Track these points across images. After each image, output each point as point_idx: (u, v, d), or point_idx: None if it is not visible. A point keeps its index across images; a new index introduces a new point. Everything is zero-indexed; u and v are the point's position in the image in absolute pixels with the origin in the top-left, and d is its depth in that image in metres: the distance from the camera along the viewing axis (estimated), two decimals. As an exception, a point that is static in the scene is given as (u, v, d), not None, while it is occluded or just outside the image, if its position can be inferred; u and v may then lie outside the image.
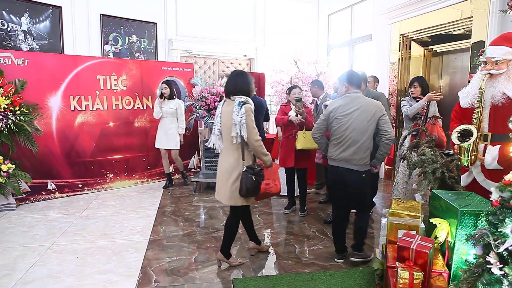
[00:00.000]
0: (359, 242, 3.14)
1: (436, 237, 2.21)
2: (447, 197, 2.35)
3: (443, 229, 2.16)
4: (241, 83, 2.92)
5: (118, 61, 5.83)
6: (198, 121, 6.44)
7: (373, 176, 3.61)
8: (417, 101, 4.28)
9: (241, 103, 2.81)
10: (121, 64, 5.77)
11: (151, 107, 6.00)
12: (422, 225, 2.45)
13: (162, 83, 5.52)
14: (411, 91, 4.27)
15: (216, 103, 5.95)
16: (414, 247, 1.96)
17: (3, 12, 5.23)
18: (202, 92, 5.96)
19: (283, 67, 6.65)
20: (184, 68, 6.50)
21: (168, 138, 5.46)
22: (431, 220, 2.29)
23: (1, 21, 5.23)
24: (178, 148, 5.55)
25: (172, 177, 6.17)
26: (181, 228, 4.02)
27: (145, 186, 5.80)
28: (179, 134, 5.50)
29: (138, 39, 6.70)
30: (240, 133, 2.81)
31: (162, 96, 5.39)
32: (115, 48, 6.48)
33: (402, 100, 4.41)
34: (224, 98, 3.06)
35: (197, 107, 6.01)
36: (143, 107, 5.93)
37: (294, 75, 6.48)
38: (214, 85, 6.08)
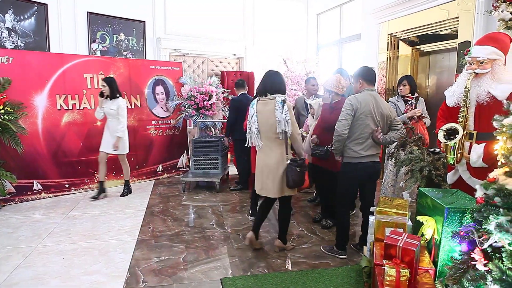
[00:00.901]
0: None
1: (422, 235, 2.23)
2: (433, 194, 2.37)
3: (429, 226, 2.18)
4: (277, 83, 3.17)
5: (106, 60, 5.76)
6: (187, 120, 6.40)
7: None
8: (405, 100, 4.33)
9: (283, 101, 3.06)
10: (108, 62, 5.71)
11: (139, 106, 5.94)
12: (409, 223, 2.47)
13: (102, 80, 5.01)
14: (400, 89, 4.34)
15: (205, 102, 5.93)
16: (401, 245, 1.97)
17: (-14, 9, 5.13)
18: (191, 91, 5.93)
19: (273, 66, 6.64)
20: (172, 67, 6.45)
21: (121, 142, 5.01)
22: (418, 217, 2.31)
23: (-16, 18, 5.13)
24: (124, 152, 5.12)
25: (160, 177, 6.15)
26: (169, 228, 3.99)
27: (134, 186, 5.73)
28: (116, 137, 4.93)
29: (126, 37, 6.62)
30: (285, 129, 3.04)
31: (102, 94, 4.92)
32: (103, 47, 6.40)
33: (389, 101, 4.46)
34: (258, 97, 3.24)
35: (186, 106, 5.98)
36: (131, 106, 5.87)
37: (283, 74, 6.48)
38: (203, 84, 6.06)
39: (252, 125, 3.16)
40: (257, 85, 3.76)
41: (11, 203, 4.79)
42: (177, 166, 6.47)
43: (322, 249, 3.38)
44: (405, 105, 4.37)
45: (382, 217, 2.42)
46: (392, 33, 5.88)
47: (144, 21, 6.78)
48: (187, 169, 6.44)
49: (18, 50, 5.36)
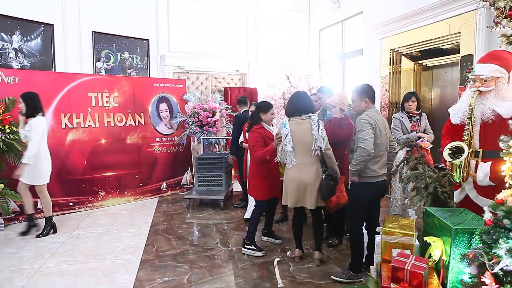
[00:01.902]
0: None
1: (430, 256, 2.19)
2: (440, 214, 2.34)
3: (437, 247, 2.14)
4: (308, 103, 3.42)
5: (110, 78, 5.81)
6: (191, 137, 6.42)
7: None
8: (409, 116, 4.31)
9: (318, 120, 3.30)
10: (113, 81, 5.76)
11: (143, 123, 5.98)
12: (417, 243, 2.43)
13: (20, 96, 4.28)
14: (409, 105, 4.31)
15: (209, 119, 5.94)
16: (409, 268, 1.94)
17: (-6, 30, 5.21)
18: (195, 108, 5.95)
19: (275, 82, 6.69)
20: (176, 84, 6.50)
21: (32, 170, 4.22)
22: (425, 238, 2.28)
23: (-8, 40, 5.22)
24: (40, 183, 4.33)
25: (164, 194, 6.14)
26: (173, 247, 3.96)
27: (138, 204, 5.73)
28: (23, 164, 4.16)
29: (130, 55, 6.70)
30: (321, 146, 3.26)
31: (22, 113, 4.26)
32: (107, 65, 6.47)
33: (394, 118, 4.44)
34: (288, 118, 3.40)
35: (190, 123, 5.99)
36: (135, 123, 5.90)
37: (286, 90, 6.51)
38: (206, 100, 6.09)
39: (287, 144, 3.30)
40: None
41: (15, 222, 4.78)
42: (181, 183, 6.46)
43: (337, 278, 3.11)
44: (410, 121, 4.35)
45: (388, 237, 2.38)
46: (394, 48, 5.91)
47: (148, 39, 6.86)
48: (191, 186, 6.42)
49: (24, 70, 5.43)
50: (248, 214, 4.68)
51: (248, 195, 4.29)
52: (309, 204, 3.36)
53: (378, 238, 2.62)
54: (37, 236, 4.27)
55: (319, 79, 6.92)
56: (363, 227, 3.25)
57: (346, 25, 7.44)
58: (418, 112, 4.36)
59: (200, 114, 5.86)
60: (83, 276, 3.27)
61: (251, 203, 4.64)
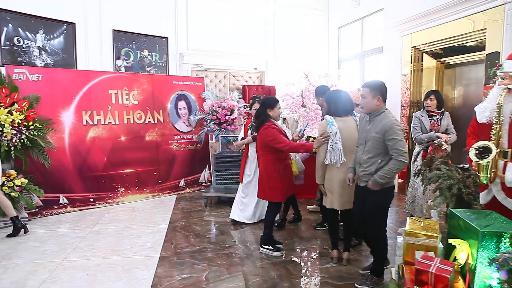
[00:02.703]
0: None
1: (455, 259, 2.13)
2: (466, 216, 2.27)
3: (463, 250, 2.08)
4: (350, 100, 3.43)
5: (130, 76, 5.89)
6: (209, 135, 6.44)
7: None
8: (430, 115, 4.22)
9: (355, 116, 3.36)
10: (132, 78, 5.83)
11: (162, 121, 6.03)
12: (440, 245, 2.36)
13: None
14: (426, 103, 4.25)
15: (227, 117, 5.94)
16: (434, 271, 1.89)
17: (19, 29, 5.34)
18: (213, 106, 5.97)
19: (294, 80, 6.64)
20: (195, 82, 6.53)
21: None
22: (450, 240, 2.21)
23: (17, 38, 5.33)
24: None
25: (182, 191, 6.18)
26: (191, 244, 3.98)
27: (156, 200, 5.79)
28: None
29: (150, 53, 6.76)
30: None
31: None
32: (127, 63, 6.55)
33: (413, 116, 4.36)
34: (331, 116, 3.33)
35: (208, 120, 6.01)
36: (154, 121, 5.96)
37: (304, 88, 6.46)
38: (224, 98, 6.09)
39: (338, 142, 3.24)
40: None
41: (39, 216, 4.90)
42: (199, 180, 6.49)
43: (361, 286, 2.98)
44: (430, 120, 4.25)
45: (411, 239, 2.33)
46: (415, 46, 5.79)
47: (167, 37, 6.91)
48: (209, 184, 6.45)
49: (47, 68, 5.55)
50: (234, 215, 4.63)
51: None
52: (351, 204, 3.31)
53: (400, 239, 2.57)
54: (7, 236, 4.17)
55: (338, 77, 6.85)
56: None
57: (365, 22, 7.33)
58: (439, 111, 4.26)
59: (218, 112, 5.87)
60: (103, 271, 3.32)
61: (238, 202, 4.63)
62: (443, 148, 3.91)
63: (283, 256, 3.65)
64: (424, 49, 5.74)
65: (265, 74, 7.87)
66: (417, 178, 3.72)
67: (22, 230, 4.27)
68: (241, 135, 4.76)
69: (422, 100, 4.52)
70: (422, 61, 5.84)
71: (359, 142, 3.07)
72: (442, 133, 4.19)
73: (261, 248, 3.73)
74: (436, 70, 5.85)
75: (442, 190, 3.21)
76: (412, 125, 4.40)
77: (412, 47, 5.83)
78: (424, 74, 5.86)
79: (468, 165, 2.95)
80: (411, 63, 5.87)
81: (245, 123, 4.83)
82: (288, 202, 4.48)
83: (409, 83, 5.90)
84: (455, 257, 2.14)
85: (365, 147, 2.94)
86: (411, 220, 2.63)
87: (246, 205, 4.60)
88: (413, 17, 5.61)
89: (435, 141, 3.99)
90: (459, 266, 2.14)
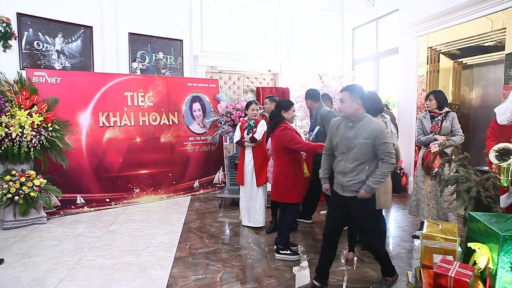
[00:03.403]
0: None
1: (475, 263, 2.09)
2: (485, 219, 2.22)
3: (483, 254, 2.04)
4: (380, 101, 3.49)
5: (145, 78, 5.96)
6: (223, 136, 6.47)
7: None
8: (432, 116, 4.11)
9: (385, 117, 3.40)
10: (148, 80, 5.90)
11: (177, 122, 6.09)
12: (459, 249, 2.32)
13: None
14: (426, 104, 4.15)
15: (241, 118, 5.96)
16: (453, 275, 1.85)
17: (39, 33, 5.46)
18: (227, 108, 5.99)
19: (308, 82, 6.61)
20: (209, 84, 6.58)
21: None
22: (469, 244, 2.17)
23: (37, 42, 5.46)
24: None
25: (196, 192, 6.21)
26: (206, 245, 4.00)
27: (171, 201, 5.84)
28: None
29: (165, 56, 6.84)
30: (395, 142, 3.30)
31: None
32: (142, 65, 6.63)
33: (418, 118, 4.28)
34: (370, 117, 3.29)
35: (222, 122, 6.04)
36: (169, 122, 6.02)
37: (319, 90, 6.43)
38: (239, 100, 6.11)
39: None
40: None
41: (56, 216, 5.00)
42: (213, 182, 6.52)
43: None
44: (432, 122, 4.10)
45: (429, 242, 2.28)
46: (431, 46, 5.71)
47: (182, 40, 6.98)
48: (223, 185, 6.47)
49: (65, 70, 5.66)
50: (245, 221, 4.59)
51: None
52: (385, 203, 3.37)
53: (417, 242, 2.52)
54: None
55: (352, 79, 6.80)
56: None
57: (380, 23, 7.28)
58: (441, 112, 4.07)
59: (233, 114, 5.89)
60: (120, 271, 3.37)
61: (245, 208, 4.59)
62: (432, 151, 3.84)
63: (300, 259, 3.63)
64: (440, 50, 5.66)
65: (279, 76, 7.87)
66: (433, 180, 3.66)
67: None
68: (237, 135, 4.64)
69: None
70: (438, 62, 5.75)
71: (339, 150, 2.88)
72: (445, 134, 4.00)
73: (277, 255, 3.64)
74: (453, 71, 5.75)
75: (460, 193, 3.16)
76: (416, 127, 4.33)
77: (428, 48, 5.76)
78: (441, 75, 5.77)
79: (487, 168, 2.89)
80: (427, 64, 5.80)
81: (240, 123, 4.71)
82: (276, 206, 4.35)
83: (425, 84, 5.82)
84: (475, 261, 2.09)
85: (349, 155, 2.81)
86: (428, 223, 2.59)
87: (255, 208, 4.54)
88: (430, 17, 5.54)
89: (429, 144, 3.95)
90: (479, 271, 2.10)
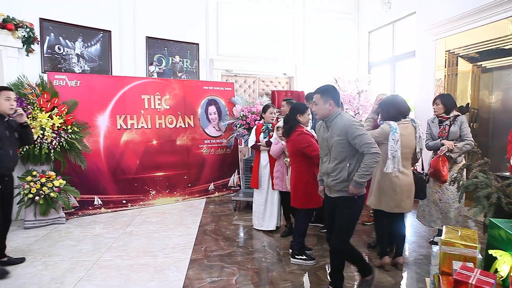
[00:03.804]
0: None
1: (496, 271, 2.05)
2: (508, 226, 2.18)
3: (505, 262, 2.00)
4: (407, 105, 3.43)
5: (162, 81, 6.04)
6: (239, 139, 6.50)
7: None
8: (440, 120, 4.02)
9: (416, 122, 3.38)
10: (164, 84, 5.98)
11: (192, 125, 6.15)
12: (480, 256, 2.28)
13: None
14: (433, 108, 4.05)
15: (256, 122, 5.98)
16: (474, 282, 1.82)
17: (60, 37, 5.60)
18: (243, 111, 6.02)
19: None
20: (225, 87, 6.62)
21: None
22: (491, 251, 2.13)
23: (58, 46, 5.60)
24: None
25: (211, 195, 6.24)
26: (221, 248, 4.02)
27: (186, 204, 5.89)
28: None
29: (181, 59, 6.92)
30: (422, 147, 3.38)
31: None
32: (159, 69, 6.72)
33: (426, 122, 4.18)
34: (395, 123, 3.27)
35: (238, 125, 6.07)
36: (185, 125, 6.08)
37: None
38: (254, 103, 6.13)
39: (398, 150, 3.18)
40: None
41: (75, 216, 5.09)
42: (228, 185, 6.55)
43: None
44: (440, 126, 3.99)
45: (448, 248, 2.25)
46: (450, 50, 5.64)
47: (198, 44, 7.05)
48: (238, 188, 6.50)
49: (85, 74, 5.78)
50: (258, 225, 4.58)
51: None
52: (407, 208, 3.35)
53: (436, 248, 2.49)
54: None
55: (368, 82, 6.75)
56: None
57: (397, 26, 7.21)
58: (448, 116, 3.94)
59: (248, 117, 5.91)
60: (136, 271, 3.41)
61: (258, 211, 4.57)
62: (441, 154, 3.73)
63: (316, 264, 3.61)
64: (459, 53, 5.58)
65: (294, 79, 7.87)
66: (452, 185, 3.59)
67: None
68: (252, 138, 4.64)
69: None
70: (456, 65, 5.67)
71: (322, 153, 2.93)
72: (452, 140, 3.85)
73: (292, 259, 3.63)
74: (472, 74, 5.66)
75: (480, 199, 3.10)
76: (425, 131, 4.18)
77: (446, 51, 5.68)
78: (459, 78, 5.68)
79: (508, 173, 2.83)
80: (445, 68, 5.72)
81: (255, 127, 4.71)
82: (288, 209, 4.33)
83: (443, 88, 5.74)
84: (496, 269, 2.05)
85: (330, 156, 2.83)
86: (447, 229, 2.55)
87: (269, 213, 4.54)
88: (448, 20, 5.47)
89: (438, 150, 3.83)
90: (501, 279, 2.06)
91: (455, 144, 3.80)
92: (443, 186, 3.86)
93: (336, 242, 2.87)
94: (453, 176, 3.46)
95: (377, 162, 2.69)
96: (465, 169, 3.52)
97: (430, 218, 4.01)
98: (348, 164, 2.74)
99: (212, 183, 6.33)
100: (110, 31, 6.15)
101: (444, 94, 4.16)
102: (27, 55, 5.19)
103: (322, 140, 2.91)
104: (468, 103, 5.57)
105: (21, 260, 3.57)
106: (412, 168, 3.47)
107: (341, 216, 2.84)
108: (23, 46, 5.10)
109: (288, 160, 4.00)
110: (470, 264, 2.13)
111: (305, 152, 3.50)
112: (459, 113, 4.01)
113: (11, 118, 3.47)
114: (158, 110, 5.84)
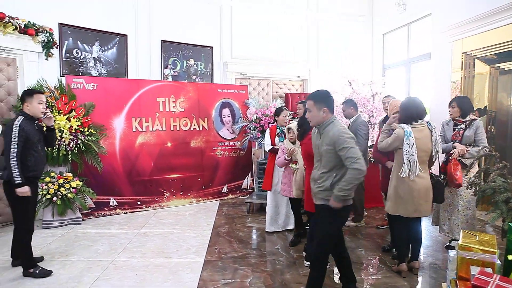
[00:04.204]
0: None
1: (515, 276, 2.01)
2: (527, 231, 2.14)
3: (524, 267, 1.96)
4: (423, 108, 3.36)
5: (177, 84, 6.11)
6: (252, 142, 6.52)
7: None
8: (455, 123, 3.89)
9: (431, 125, 3.32)
10: (179, 87, 6.05)
11: (206, 128, 6.20)
12: (498, 262, 2.24)
13: None
14: (449, 111, 3.94)
15: (270, 124, 5.99)
16: (492, 288, 1.79)
17: (78, 42, 5.73)
18: (256, 114, 6.04)
19: (337, 88, 6.57)
20: (238, 90, 6.66)
21: None
22: (510, 257, 2.10)
23: (76, 50, 5.72)
24: None
25: (225, 197, 6.27)
26: (235, 250, 4.03)
27: (200, 205, 5.93)
28: None
29: (195, 62, 6.99)
30: (439, 150, 3.31)
31: None
32: (174, 72, 6.80)
33: (441, 124, 4.09)
34: (407, 125, 3.26)
35: (251, 128, 6.09)
36: (199, 128, 6.13)
37: (348, 96, 6.38)
38: (268, 106, 6.15)
39: (414, 154, 3.15)
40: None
41: (91, 217, 5.18)
42: (242, 187, 6.58)
43: None
44: (454, 129, 3.87)
45: (466, 253, 2.22)
46: (466, 51, 5.55)
47: (212, 47, 7.11)
48: (251, 190, 6.51)
49: (101, 77, 5.89)
50: (271, 228, 4.56)
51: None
52: (425, 212, 3.29)
53: (452, 253, 2.45)
54: None
55: (383, 85, 6.70)
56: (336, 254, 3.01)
57: (412, 28, 7.14)
58: (464, 120, 3.81)
59: (262, 120, 5.93)
60: (151, 272, 3.45)
61: (272, 214, 4.56)
62: (452, 158, 3.61)
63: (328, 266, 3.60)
64: (476, 55, 5.49)
65: (308, 82, 7.86)
66: (469, 189, 3.53)
67: None
68: (268, 142, 4.61)
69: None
70: (474, 67, 5.58)
71: (315, 158, 2.87)
72: (465, 144, 3.71)
73: (306, 262, 3.61)
74: (490, 76, 5.55)
75: (497, 203, 3.04)
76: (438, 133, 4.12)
77: (462, 53, 5.60)
78: (476, 80, 5.59)
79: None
80: (462, 69, 5.64)
81: (269, 130, 4.68)
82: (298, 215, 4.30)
83: (459, 90, 5.66)
84: (515, 274, 2.02)
85: (321, 163, 2.77)
86: (464, 233, 2.51)
87: (283, 214, 4.57)
88: (464, 21, 5.40)
89: (450, 153, 3.71)
90: (520, 285, 2.02)
91: (467, 149, 3.67)
92: (454, 191, 3.76)
93: (314, 250, 2.82)
94: (470, 180, 3.41)
95: (358, 180, 2.57)
96: (482, 173, 3.47)
97: (440, 223, 3.94)
98: (334, 174, 2.66)
99: (226, 185, 6.36)
100: (126, 35, 6.25)
101: (461, 97, 4.07)
102: (47, 59, 5.32)
103: (314, 146, 2.85)
104: (486, 106, 5.47)
105: (40, 259, 3.65)
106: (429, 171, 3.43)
107: (322, 225, 2.78)
108: (43, 50, 5.23)
109: (294, 166, 3.98)
110: (489, 270, 2.10)
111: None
112: (476, 117, 3.90)
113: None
114: (173, 112, 5.90)
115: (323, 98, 2.72)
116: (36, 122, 3.48)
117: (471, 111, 3.90)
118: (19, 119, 3.28)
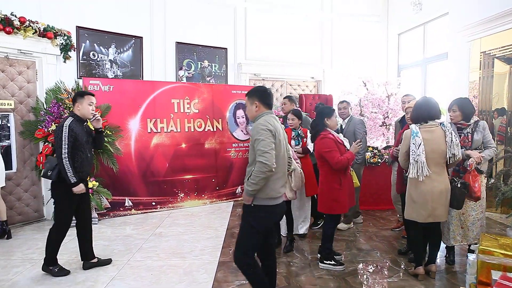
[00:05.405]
0: None
1: (539, 281, 1.95)
2: (550, 235, 2.08)
3: (547, 272, 1.91)
4: (437, 108, 3.25)
5: (191, 86, 6.15)
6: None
7: None
8: (458, 128, 3.56)
9: (446, 126, 3.17)
10: (193, 88, 6.08)
11: (221, 129, 6.21)
12: (520, 266, 2.17)
13: None
14: (450, 116, 3.64)
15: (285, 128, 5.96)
16: (515, 293, 1.75)
17: (95, 44, 5.82)
18: (270, 115, 6.02)
19: (352, 89, 6.52)
20: (252, 91, 6.64)
21: None
22: (532, 261, 2.04)
23: (93, 53, 5.82)
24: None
25: (239, 198, 6.26)
26: (249, 251, 4.02)
27: (214, 206, 5.94)
28: None
29: (210, 64, 7.02)
30: (456, 153, 3.12)
31: None
32: (188, 73, 6.85)
33: None
34: (415, 125, 3.21)
35: (265, 129, 6.07)
36: (213, 129, 6.15)
37: (363, 97, 6.32)
38: (281, 107, 6.12)
39: (421, 154, 3.09)
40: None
41: (107, 217, 5.25)
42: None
43: None
44: (460, 135, 3.54)
45: (486, 257, 2.16)
46: (485, 51, 5.45)
47: (226, 48, 7.14)
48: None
49: (117, 79, 5.97)
50: (284, 231, 4.44)
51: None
52: (444, 217, 3.22)
53: (472, 257, 2.40)
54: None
55: (398, 85, 6.61)
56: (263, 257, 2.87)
57: (428, 27, 7.04)
58: (468, 124, 3.52)
59: (275, 121, 5.91)
60: (166, 273, 3.47)
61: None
62: (471, 169, 3.29)
63: (345, 269, 3.55)
64: (495, 54, 5.38)
65: (322, 83, 7.82)
66: (489, 192, 3.44)
67: (6, 235, 4.43)
68: None
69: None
70: (493, 67, 5.46)
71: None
72: (476, 148, 3.46)
73: (321, 264, 3.59)
74: (509, 76, 5.43)
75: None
76: None
77: (481, 53, 5.50)
78: (495, 80, 5.47)
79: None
80: (480, 69, 5.53)
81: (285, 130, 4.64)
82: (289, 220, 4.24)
83: (477, 90, 5.55)
84: (538, 279, 1.96)
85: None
86: (484, 236, 2.46)
87: (303, 217, 4.52)
88: (483, 20, 5.29)
89: (466, 163, 3.37)
90: (543, 290, 1.96)
91: (482, 155, 3.38)
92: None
93: (235, 253, 2.71)
94: (490, 182, 3.34)
95: (263, 173, 2.44)
96: (502, 175, 3.40)
97: (450, 235, 3.55)
98: (253, 168, 2.53)
99: (240, 187, 6.37)
100: (141, 37, 6.33)
101: (462, 99, 3.66)
102: (64, 61, 5.41)
103: (250, 142, 2.72)
104: (504, 107, 5.35)
105: (108, 262, 3.68)
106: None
107: (242, 225, 2.71)
108: (61, 53, 5.33)
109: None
110: (511, 275, 2.04)
111: (325, 157, 3.43)
112: (478, 118, 3.67)
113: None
114: (187, 114, 5.94)
115: (255, 93, 2.73)
116: (85, 123, 3.52)
117: (474, 113, 3.62)
118: (69, 120, 3.33)
